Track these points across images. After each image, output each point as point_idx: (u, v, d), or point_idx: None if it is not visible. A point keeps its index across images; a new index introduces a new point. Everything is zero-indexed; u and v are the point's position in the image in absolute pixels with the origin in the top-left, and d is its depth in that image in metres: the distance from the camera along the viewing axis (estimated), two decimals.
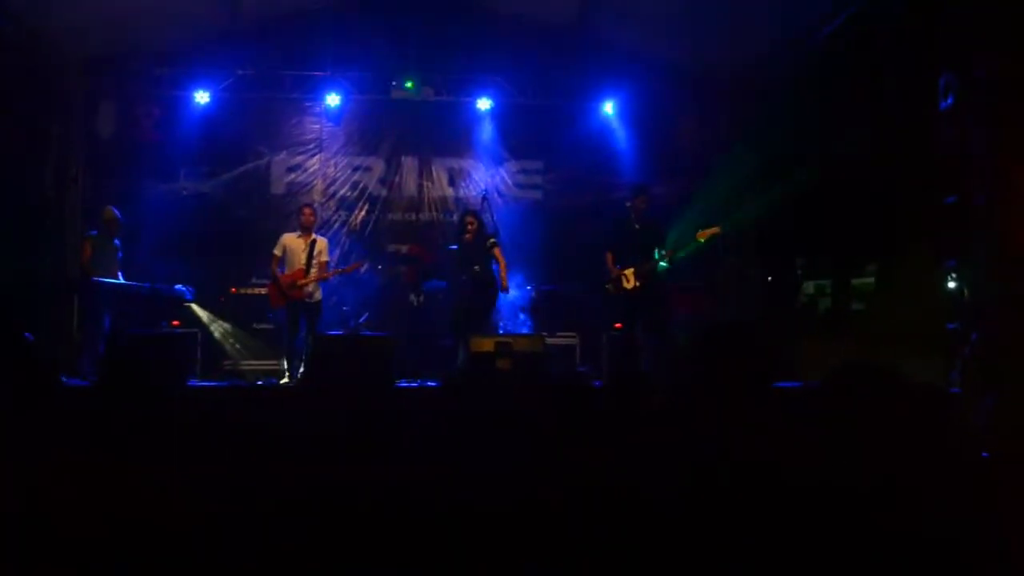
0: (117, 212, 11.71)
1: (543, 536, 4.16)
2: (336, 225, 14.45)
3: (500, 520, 4.19)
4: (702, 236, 10.64)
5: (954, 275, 8.80)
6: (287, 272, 11.30)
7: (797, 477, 4.45)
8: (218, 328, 12.75)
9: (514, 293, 12.90)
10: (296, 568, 4.13)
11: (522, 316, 13.32)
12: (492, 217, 11.82)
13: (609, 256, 11.06)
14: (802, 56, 12.48)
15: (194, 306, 12.48)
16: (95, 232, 11.64)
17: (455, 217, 13.02)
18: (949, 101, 8.70)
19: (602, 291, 11.30)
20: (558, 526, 4.18)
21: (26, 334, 7.05)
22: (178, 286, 12.03)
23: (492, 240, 11.33)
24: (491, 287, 11.24)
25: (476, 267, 11.12)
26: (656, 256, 10.72)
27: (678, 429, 5.10)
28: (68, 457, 4.54)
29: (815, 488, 4.28)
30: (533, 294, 13.39)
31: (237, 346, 12.76)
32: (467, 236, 11.27)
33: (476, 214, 11.50)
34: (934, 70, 8.90)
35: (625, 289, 10.84)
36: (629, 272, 10.79)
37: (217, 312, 12.86)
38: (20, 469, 4.39)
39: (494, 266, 11.25)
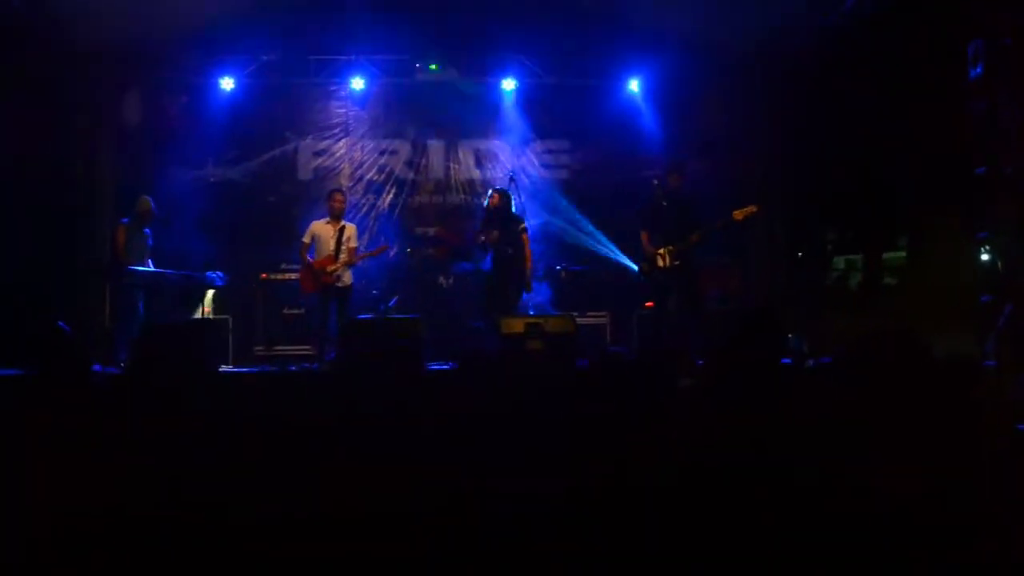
0: (152, 203, 11.77)
1: (576, 516, 4.16)
2: (364, 209, 14.47)
3: (534, 501, 4.19)
4: (739, 215, 10.56)
5: (987, 247, 8.72)
6: (317, 258, 11.32)
7: (821, 456, 4.43)
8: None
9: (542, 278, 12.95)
10: (326, 545, 4.15)
11: (552, 296, 13.30)
12: (520, 198, 11.80)
13: (645, 235, 10.99)
14: (830, 25, 12.36)
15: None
16: (127, 220, 11.68)
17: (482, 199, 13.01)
18: (979, 70, 8.60)
19: (638, 269, 11.27)
20: (592, 506, 4.17)
21: (61, 323, 7.10)
22: (209, 273, 12.07)
23: (523, 225, 11.31)
24: (518, 268, 11.22)
25: (506, 248, 11.11)
26: (689, 237, 10.65)
27: (709, 407, 5.08)
28: (98, 444, 4.58)
29: (840, 466, 4.27)
30: (563, 274, 13.35)
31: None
32: (491, 201, 11.28)
33: (500, 190, 11.49)
34: (964, 38, 8.80)
35: (659, 268, 10.79)
36: (664, 251, 10.74)
37: (247, 297, 12.90)
38: (55, 458, 4.42)
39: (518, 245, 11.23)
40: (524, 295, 11.52)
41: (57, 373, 6.52)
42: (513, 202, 11.49)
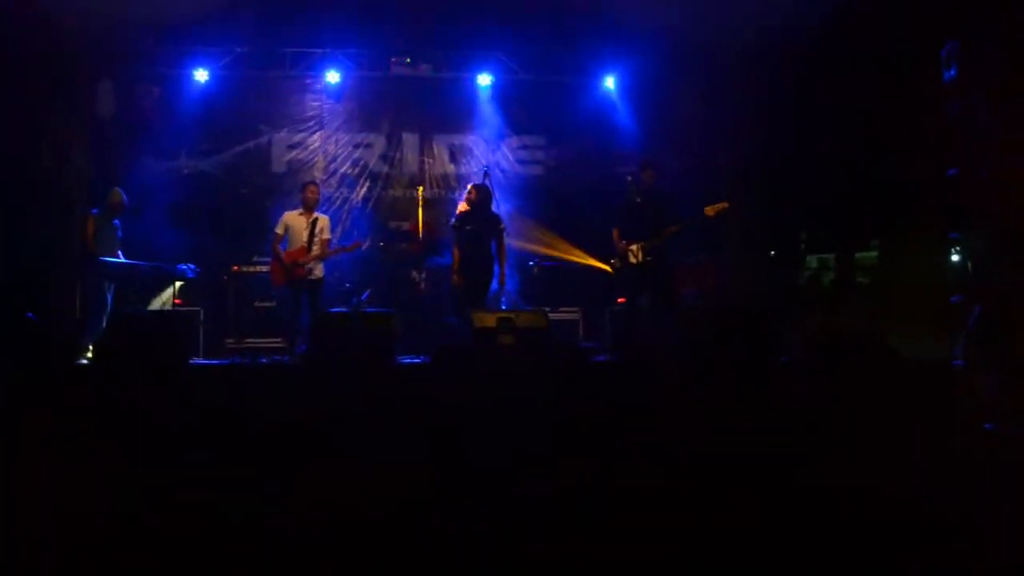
0: (124, 195, 11.69)
1: (555, 515, 4.16)
2: (338, 202, 14.45)
3: (511, 498, 4.19)
4: (710, 211, 10.57)
5: (957, 248, 8.76)
6: (289, 250, 11.27)
7: (796, 452, 4.45)
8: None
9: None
10: (299, 541, 4.13)
11: (524, 291, 13.31)
12: (495, 194, 11.79)
13: (615, 232, 11.01)
14: (806, 27, 12.40)
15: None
16: (96, 211, 11.61)
17: (457, 195, 12.97)
18: (952, 71, 8.64)
19: (611, 264, 11.28)
20: (574, 505, 4.17)
21: (29, 315, 7.05)
22: (180, 265, 12.01)
23: (502, 226, 11.30)
24: (490, 267, 11.23)
25: (482, 243, 11.10)
26: (661, 233, 10.66)
27: (683, 406, 5.10)
28: (65, 434, 4.55)
29: (815, 462, 4.28)
30: (535, 270, 13.35)
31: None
32: (469, 195, 11.27)
33: (480, 186, 11.48)
34: (939, 39, 8.84)
35: (631, 264, 10.80)
36: (636, 247, 10.74)
37: (218, 289, 12.84)
38: (21, 447, 4.39)
39: (494, 250, 11.21)
40: (494, 288, 11.50)
41: (25, 364, 6.48)
42: (492, 200, 11.49)
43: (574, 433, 4.66)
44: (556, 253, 13.74)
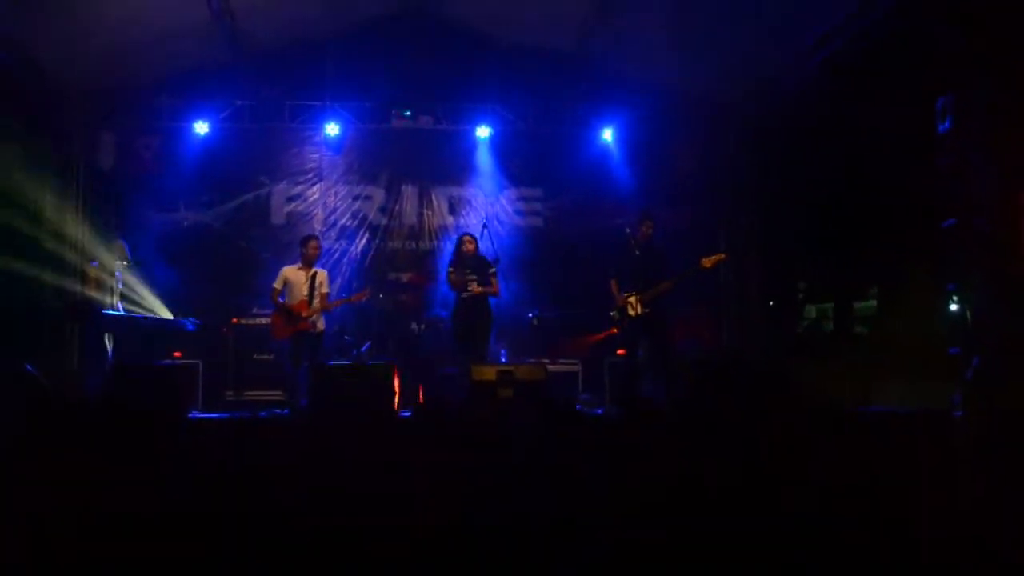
0: (126, 245, 11.73)
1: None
2: (337, 254, 14.47)
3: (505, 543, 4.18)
4: (707, 263, 10.61)
5: (955, 299, 8.78)
6: (288, 303, 11.28)
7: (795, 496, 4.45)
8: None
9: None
10: None
11: (524, 343, 13.30)
12: (493, 245, 11.84)
13: (614, 283, 11.04)
14: (800, 80, 12.50)
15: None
16: (95, 263, 11.64)
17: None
18: (947, 124, 8.70)
19: (607, 319, 11.28)
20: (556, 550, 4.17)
21: (27, 366, 7.05)
22: (180, 318, 12.03)
23: (493, 270, 11.36)
24: (488, 311, 11.29)
25: (477, 289, 11.16)
26: (659, 285, 10.69)
27: (681, 454, 5.09)
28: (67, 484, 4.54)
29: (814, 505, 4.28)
30: (535, 321, 13.35)
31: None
32: (467, 247, 11.31)
33: (473, 236, 11.54)
34: (934, 91, 8.90)
35: (630, 316, 10.81)
36: (634, 299, 10.76)
37: (218, 341, 12.85)
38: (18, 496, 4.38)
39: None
40: (494, 340, 11.55)
41: (22, 415, 6.47)
42: (484, 249, 11.56)
43: (569, 487, 4.65)
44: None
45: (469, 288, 11.23)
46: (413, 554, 4.15)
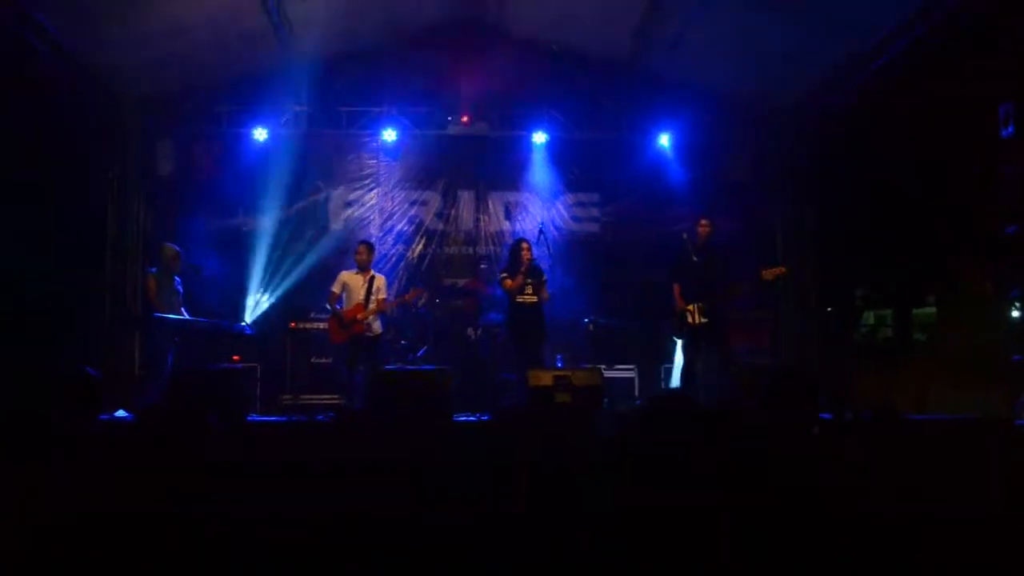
0: (179, 250, 11.83)
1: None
2: (394, 259, 14.56)
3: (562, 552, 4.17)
4: (769, 275, 10.50)
5: (1018, 305, 8.67)
6: (346, 308, 11.36)
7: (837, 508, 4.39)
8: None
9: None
10: None
11: (580, 348, 13.26)
12: (550, 251, 11.86)
13: (677, 289, 10.94)
14: (860, 83, 12.38)
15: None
16: (155, 269, 11.77)
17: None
18: (1010, 130, 8.60)
19: (670, 330, 11.21)
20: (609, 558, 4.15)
21: (89, 370, 7.13)
22: (238, 323, 12.13)
23: (546, 278, 11.36)
24: (542, 317, 11.28)
25: (533, 296, 11.17)
26: (720, 293, 10.61)
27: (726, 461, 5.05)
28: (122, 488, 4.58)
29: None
30: (591, 327, 13.31)
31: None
32: (525, 255, 11.28)
33: (530, 243, 11.52)
34: (996, 98, 8.80)
35: (689, 325, 10.73)
36: (693, 307, 10.69)
37: (276, 346, 12.96)
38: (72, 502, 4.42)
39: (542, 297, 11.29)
40: (549, 346, 11.56)
41: (73, 418, 6.54)
42: (539, 255, 11.58)
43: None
44: None
45: (524, 293, 11.23)
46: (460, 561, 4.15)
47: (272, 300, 13.45)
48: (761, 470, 4.55)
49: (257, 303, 13.27)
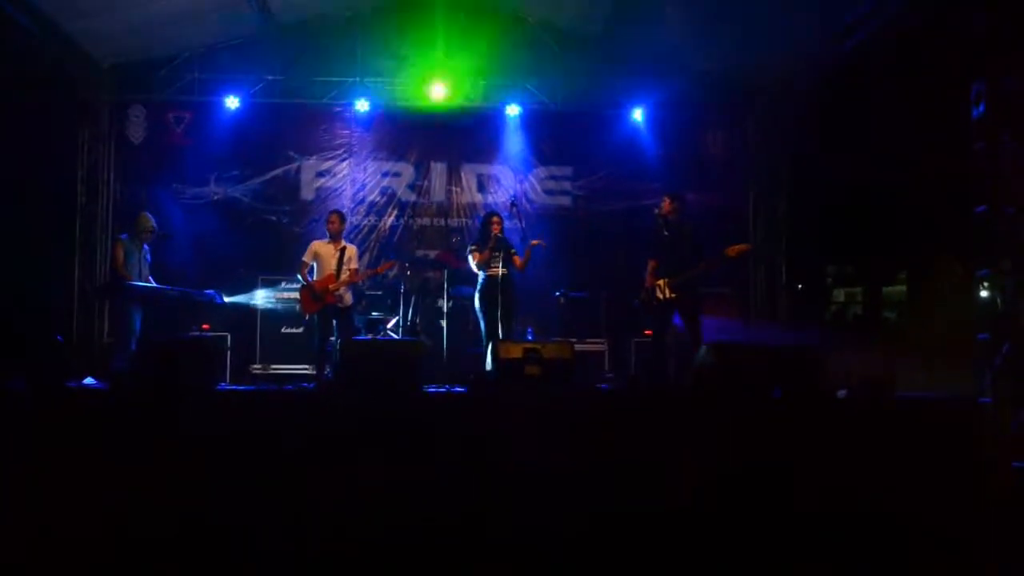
0: (152, 219, 11.75)
1: (567, 542, 4.16)
2: (365, 230, 14.54)
3: (525, 524, 4.19)
4: (732, 252, 10.50)
5: (986, 284, 8.72)
6: (318, 278, 11.33)
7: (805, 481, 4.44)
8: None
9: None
10: (322, 568, 4.14)
11: (550, 322, 13.27)
12: (522, 223, 11.86)
13: (651, 264, 10.92)
14: (831, 64, 12.42)
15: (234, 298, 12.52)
16: (125, 236, 11.69)
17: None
18: (981, 109, 8.64)
19: (636, 301, 11.21)
20: (584, 530, 4.18)
21: (58, 336, 7.10)
22: (208, 291, 12.08)
23: (514, 250, 11.35)
24: (513, 290, 11.28)
25: (502, 269, 11.16)
26: (689, 268, 10.61)
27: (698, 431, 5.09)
28: (85, 456, 4.57)
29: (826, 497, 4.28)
30: (561, 300, 13.32)
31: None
32: (495, 228, 11.27)
33: (501, 217, 11.53)
34: (967, 77, 8.83)
35: (658, 299, 10.74)
36: (662, 282, 10.70)
37: (246, 315, 12.92)
38: (39, 469, 4.42)
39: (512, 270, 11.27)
40: (519, 319, 11.56)
41: (44, 384, 6.52)
42: (509, 226, 11.59)
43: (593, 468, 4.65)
44: None
45: (491, 266, 11.22)
46: (429, 528, 4.17)
47: (242, 269, 13.37)
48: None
49: (228, 272, 13.19)
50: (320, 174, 14.77)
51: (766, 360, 7.84)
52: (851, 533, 4.05)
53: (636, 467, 4.48)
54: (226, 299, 12.43)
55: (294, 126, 14.77)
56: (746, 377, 6.84)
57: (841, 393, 7.54)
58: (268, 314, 12.98)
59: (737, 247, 10.48)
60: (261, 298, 12.96)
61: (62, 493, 4.23)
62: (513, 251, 11.35)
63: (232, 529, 4.16)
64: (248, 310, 12.97)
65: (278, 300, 13.03)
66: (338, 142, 14.81)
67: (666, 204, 10.87)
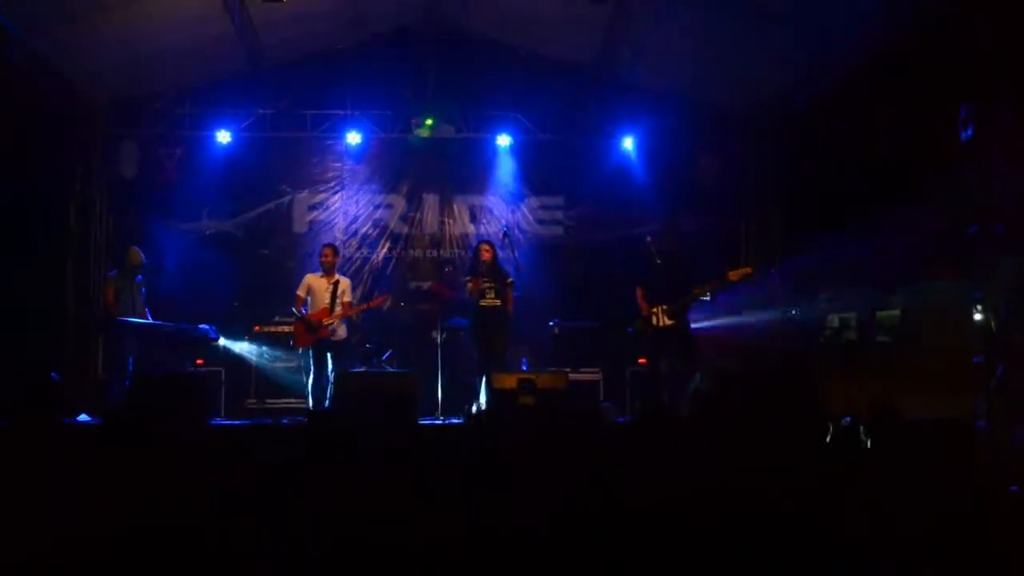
0: (140, 252, 11.75)
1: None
2: (358, 262, 14.51)
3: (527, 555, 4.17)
4: (734, 276, 10.53)
5: (980, 307, 8.72)
6: (311, 312, 11.33)
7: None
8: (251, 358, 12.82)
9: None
10: None
11: (544, 352, 13.25)
12: (514, 254, 11.86)
13: (640, 292, 10.96)
14: (824, 88, 12.47)
15: (223, 341, 12.49)
16: (115, 272, 11.70)
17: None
18: (970, 131, 8.66)
19: (632, 328, 11.21)
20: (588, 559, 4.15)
21: (52, 374, 7.08)
22: (202, 325, 12.07)
23: (511, 280, 11.36)
24: (506, 320, 11.29)
25: (496, 299, 11.17)
26: (684, 296, 10.63)
27: (702, 464, 5.07)
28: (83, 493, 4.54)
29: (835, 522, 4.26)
30: (556, 330, 13.31)
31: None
32: (484, 256, 11.30)
33: (492, 244, 11.55)
34: (956, 100, 8.86)
35: (654, 327, 10.76)
36: (657, 310, 10.71)
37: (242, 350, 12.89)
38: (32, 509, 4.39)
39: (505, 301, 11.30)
40: (513, 348, 11.57)
41: (35, 422, 6.48)
42: (503, 258, 11.59)
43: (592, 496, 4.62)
44: None
45: (486, 297, 11.24)
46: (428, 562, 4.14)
47: (237, 303, 13.35)
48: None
49: (221, 306, 13.15)
50: (312, 207, 14.76)
51: (763, 385, 7.83)
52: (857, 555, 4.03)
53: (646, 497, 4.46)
54: (221, 342, 12.44)
55: (286, 160, 14.78)
56: (744, 403, 6.82)
57: (845, 420, 7.53)
58: (262, 348, 12.94)
59: (739, 270, 10.53)
60: (253, 351, 12.91)
61: (52, 528, 4.19)
62: (509, 280, 11.35)
63: (221, 564, 4.12)
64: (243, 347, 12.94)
65: (273, 342, 12.97)
66: (330, 175, 14.81)
67: (668, 236, 10.98)
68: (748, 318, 12.43)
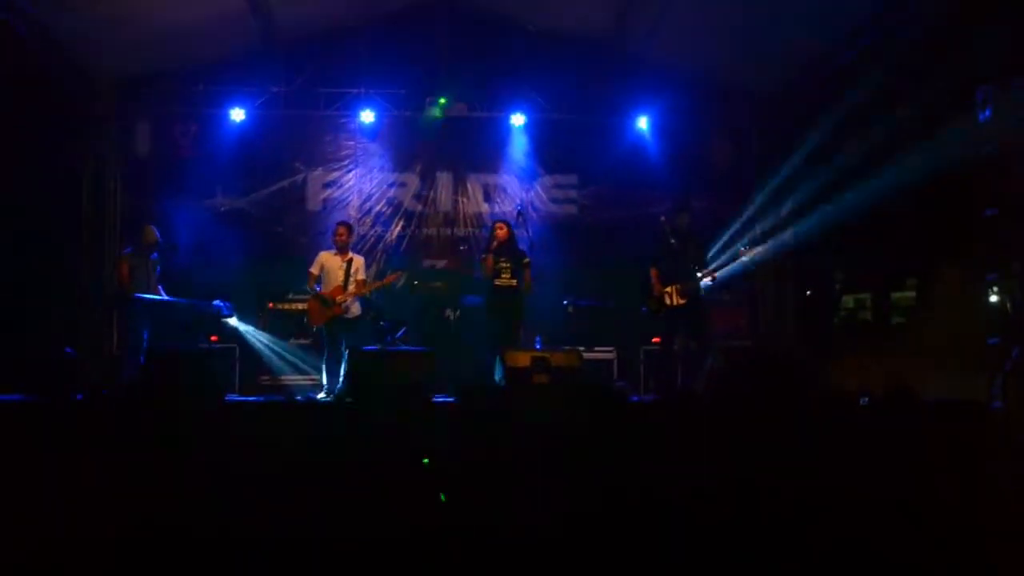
0: (156, 230, 11.75)
1: (581, 550, 4.14)
2: (372, 240, 14.48)
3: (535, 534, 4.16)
4: (747, 254, 10.55)
5: (996, 289, 8.69)
6: (325, 289, 11.33)
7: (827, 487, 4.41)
8: (257, 342, 12.80)
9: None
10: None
11: (558, 330, 13.23)
12: (528, 232, 11.82)
13: (654, 272, 10.96)
14: (836, 69, 12.40)
15: (233, 320, 12.49)
16: (130, 249, 11.70)
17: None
18: (987, 113, 8.61)
19: (645, 307, 11.21)
20: (595, 538, 4.15)
21: (68, 349, 7.11)
22: (216, 302, 12.08)
23: (527, 260, 11.33)
24: (520, 300, 11.27)
25: (512, 279, 11.15)
26: (697, 275, 10.64)
27: (719, 443, 5.06)
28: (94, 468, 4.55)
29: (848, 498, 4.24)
30: (569, 308, 13.30)
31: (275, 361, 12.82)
32: (499, 233, 11.27)
33: (507, 222, 11.53)
34: (974, 82, 8.81)
35: (667, 306, 10.76)
36: (671, 289, 10.71)
37: (255, 327, 12.90)
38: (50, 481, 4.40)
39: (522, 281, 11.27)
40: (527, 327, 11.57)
41: (55, 397, 6.50)
42: (518, 236, 11.55)
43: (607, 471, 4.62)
44: None
45: (501, 276, 11.22)
46: (441, 538, 4.15)
47: (251, 280, 13.36)
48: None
49: (235, 283, 13.16)
50: (326, 185, 14.74)
51: (774, 363, 7.83)
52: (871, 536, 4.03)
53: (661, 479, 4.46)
54: (232, 321, 12.45)
55: (300, 137, 14.76)
56: (756, 380, 6.81)
57: (863, 400, 7.50)
58: (276, 324, 12.97)
59: (752, 249, 10.52)
60: (262, 337, 12.93)
61: (65, 503, 4.21)
62: (526, 260, 11.31)
63: (234, 541, 4.13)
64: (255, 321, 12.95)
65: (286, 319, 12.99)
66: (344, 153, 14.78)
67: (682, 216, 10.96)
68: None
